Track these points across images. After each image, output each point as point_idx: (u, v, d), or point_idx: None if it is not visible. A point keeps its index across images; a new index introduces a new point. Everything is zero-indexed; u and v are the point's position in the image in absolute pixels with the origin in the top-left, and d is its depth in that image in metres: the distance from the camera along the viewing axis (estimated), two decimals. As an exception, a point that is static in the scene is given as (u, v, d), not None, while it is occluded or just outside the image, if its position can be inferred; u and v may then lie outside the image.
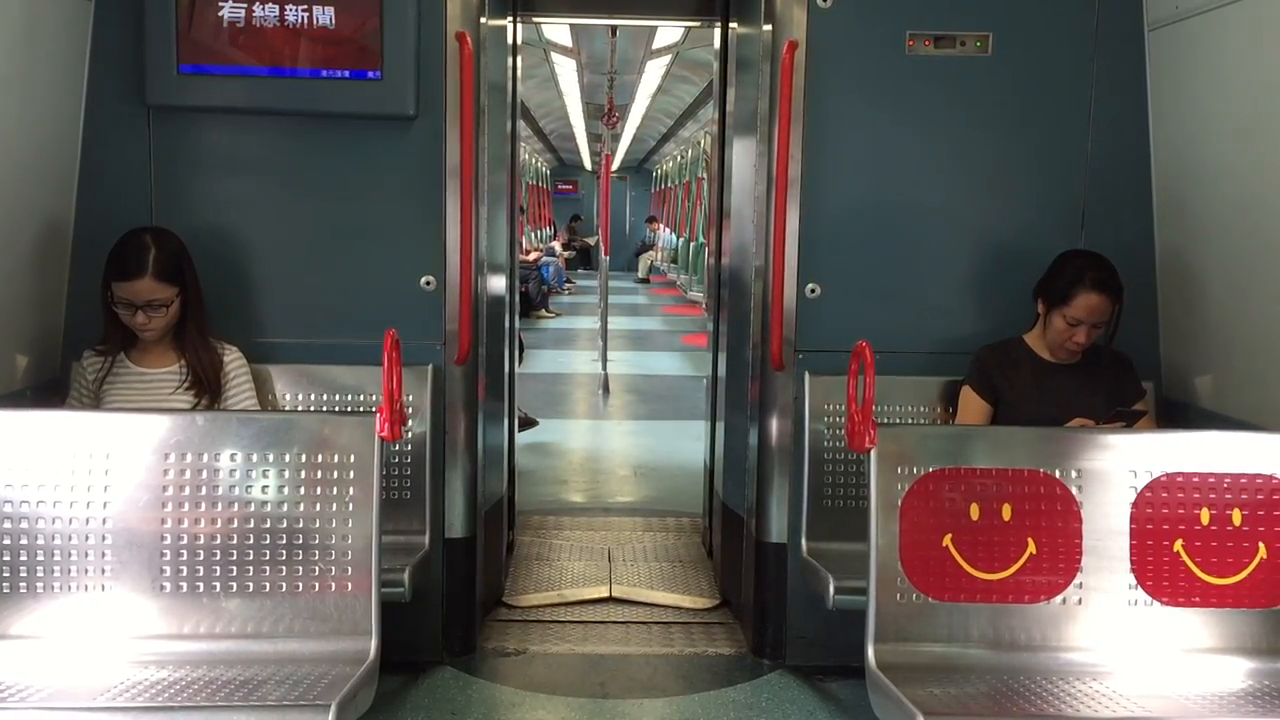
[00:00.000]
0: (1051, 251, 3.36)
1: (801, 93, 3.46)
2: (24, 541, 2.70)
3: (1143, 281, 3.48)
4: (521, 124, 4.65)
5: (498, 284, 4.03)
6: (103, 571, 2.72)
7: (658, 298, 19.81)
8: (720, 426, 4.44)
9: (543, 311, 15.38)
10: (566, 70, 12.26)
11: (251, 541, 2.75)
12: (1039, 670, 2.73)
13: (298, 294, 3.51)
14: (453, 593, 3.64)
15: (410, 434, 3.43)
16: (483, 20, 3.50)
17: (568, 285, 19.79)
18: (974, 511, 2.80)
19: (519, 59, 4.47)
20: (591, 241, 22.00)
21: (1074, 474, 2.84)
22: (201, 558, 2.74)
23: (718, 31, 4.48)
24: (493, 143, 3.74)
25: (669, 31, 9.49)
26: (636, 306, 17.84)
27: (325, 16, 3.33)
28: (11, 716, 2.36)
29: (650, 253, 24.93)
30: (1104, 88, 3.52)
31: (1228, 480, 2.84)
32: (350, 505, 2.76)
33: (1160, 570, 2.81)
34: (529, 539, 4.97)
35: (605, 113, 11.47)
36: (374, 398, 3.44)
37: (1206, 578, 2.80)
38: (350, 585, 2.73)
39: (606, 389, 9.31)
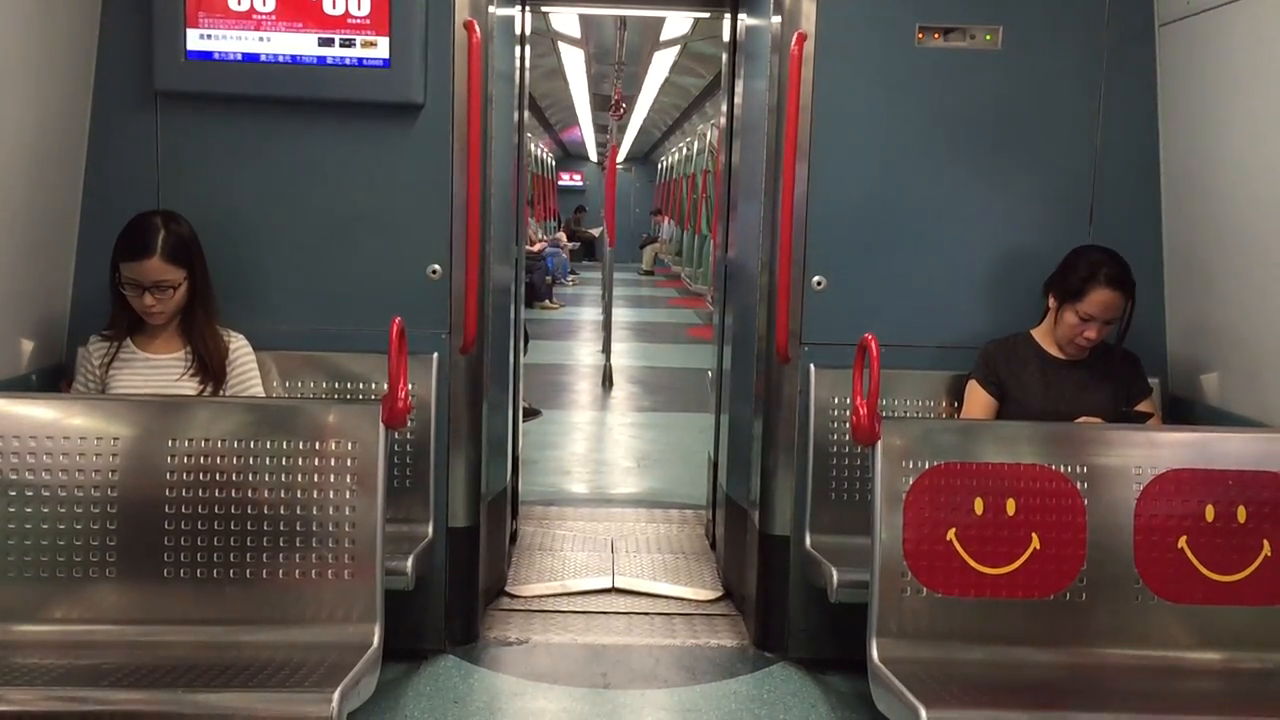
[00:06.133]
0: (1059, 247, 3.35)
1: (810, 85, 3.45)
2: (29, 527, 2.72)
3: (1150, 278, 3.46)
4: (528, 114, 4.64)
5: (504, 274, 4.02)
6: (107, 557, 2.73)
7: (662, 290, 19.81)
8: (725, 419, 4.44)
9: (546, 302, 15.38)
10: (574, 60, 12.25)
11: (255, 528, 2.76)
12: (1042, 665, 2.73)
13: (304, 281, 3.50)
14: (455, 581, 3.64)
15: (414, 422, 3.43)
16: (491, 9, 3.50)
17: (571, 277, 19.79)
18: (978, 506, 2.80)
19: (527, 49, 4.46)
20: (595, 233, 21.99)
21: (1079, 469, 2.85)
22: (205, 544, 2.75)
23: (727, 23, 4.47)
24: (500, 132, 3.73)
25: (677, 23, 9.49)
26: (640, 298, 17.84)
27: (334, 3, 3.33)
28: (19, 696, 2.36)
29: (654, 245, 24.93)
30: (1114, 83, 3.51)
31: (1232, 477, 2.84)
32: (354, 493, 2.77)
33: (1164, 566, 2.81)
34: (532, 529, 4.97)
35: (612, 104, 11.45)
36: (379, 386, 3.44)
37: (1210, 574, 2.80)
38: (354, 573, 2.74)
39: (610, 380, 9.31)
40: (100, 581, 2.72)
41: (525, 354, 5.25)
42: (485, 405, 3.70)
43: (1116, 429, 3.09)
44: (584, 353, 11.32)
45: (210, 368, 3.14)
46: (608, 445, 7.33)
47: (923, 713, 2.37)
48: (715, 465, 4.68)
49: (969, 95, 3.51)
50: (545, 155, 23.98)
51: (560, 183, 29.05)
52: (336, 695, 2.34)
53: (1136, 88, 3.51)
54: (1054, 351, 3.35)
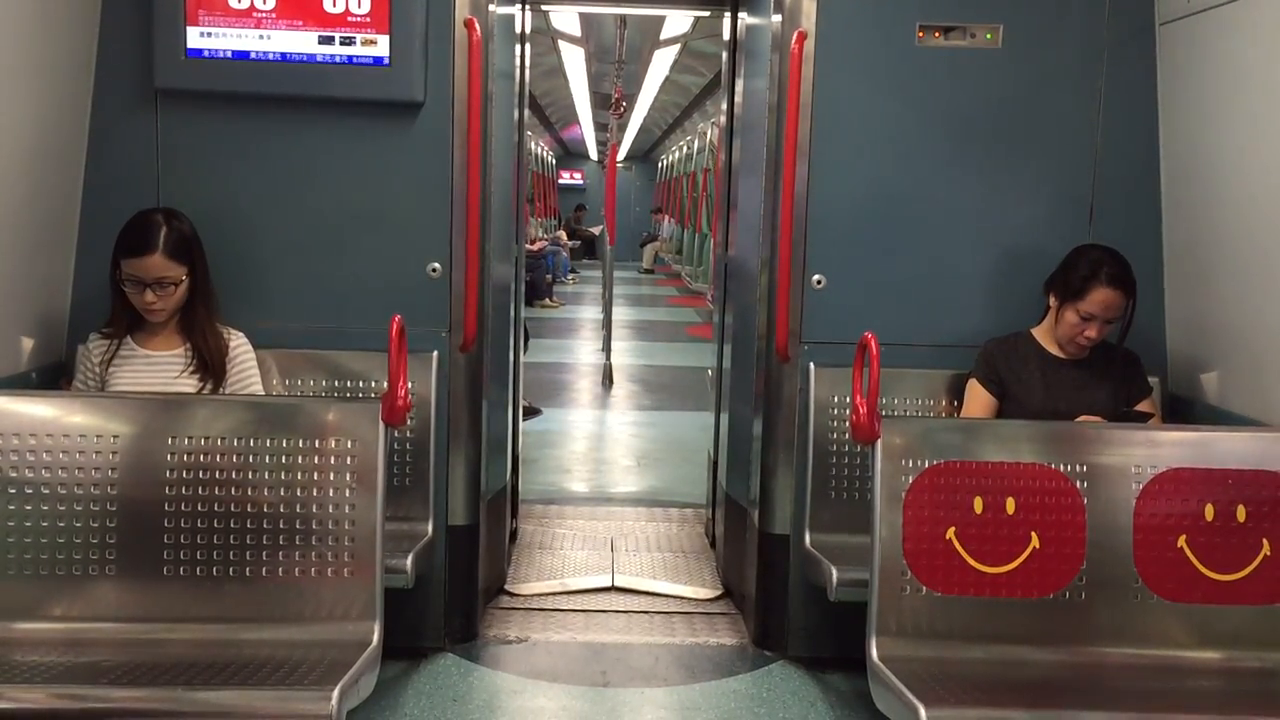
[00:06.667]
0: (1059, 245, 3.35)
1: (810, 83, 3.45)
2: (29, 524, 2.71)
3: (1150, 277, 3.46)
4: (528, 112, 4.64)
5: (504, 272, 4.02)
6: (107, 555, 2.73)
7: (662, 288, 19.80)
8: (725, 418, 4.44)
9: (546, 301, 15.38)
10: (574, 59, 12.24)
11: (255, 526, 2.75)
12: (1041, 664, 2.73)
13: (304, 279, 3.50)
14: (455, 580, 3.65)
15: (414, 420, 3.43)
16: (491, 7, 3.50)
17: (571, 275, 19.79)
18: (978, 505, 2.80)
19: (528, 47, 4.46)
20: (595, 231, 21.99)
21: (1079, 468, 2.84)
22: (205, 542, 2.74)
23: (727, 21, 4.47)
24: (500, 130, 3.73)
25: (677, 21, 9.48)
26: (640, 297, 17.83)
27: (334, 1, 3.33)
28: (19, 694, 2.36)
29: (655, 243, 24.92)
30: (1114, 81, 3.51)
31: (1232, 477, 2.84)
32: (354, 491, 2.76)
33: (1164, 566, 2.81)
34: (532, 527, 4.97)
35: (612, 102, 11.46)
36: (379, 384, 3.44)
37: (1210, 574, 2.80)
38: (353, 571, 2.74)
39: (610, 379, 9.30)
40: (100, 579, 2.72)
41: (525, 352, 5.25)
42: (485, 403, 3.70)
43: (1116, 428, 3.09)
44: (584, 351, 11.32)
45: (210, 365, 3.14)
46: (608, 444, 7.33)
47: (922, 712, 2.37)
48: (715, 464, 4.68)
49: (969, 94, 3.51)
50: (545, 153, 23.97)
51: (560, 181, 29.03)
52: (336, 693, 2.34)
53: (1136, 87, 3.51)
54: (1054, 350, 3.35)
